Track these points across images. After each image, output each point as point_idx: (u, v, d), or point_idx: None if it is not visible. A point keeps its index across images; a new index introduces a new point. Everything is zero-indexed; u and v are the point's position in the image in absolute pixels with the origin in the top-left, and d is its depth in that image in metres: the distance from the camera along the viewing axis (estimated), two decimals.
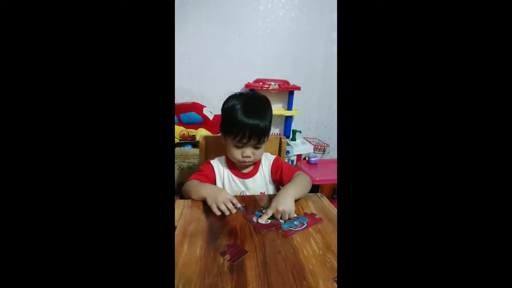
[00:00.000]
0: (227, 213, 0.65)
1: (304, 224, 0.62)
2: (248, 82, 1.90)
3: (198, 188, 0.72)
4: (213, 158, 0.86)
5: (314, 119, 2.21)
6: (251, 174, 0.84)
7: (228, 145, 0.77)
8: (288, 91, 1.94)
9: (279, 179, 0.83)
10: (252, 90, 0.82)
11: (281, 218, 0.64)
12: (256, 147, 0.75)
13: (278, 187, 0.85)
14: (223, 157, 0.86)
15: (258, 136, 0.73)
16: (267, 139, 0.78)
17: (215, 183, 0.82)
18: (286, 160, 1.84)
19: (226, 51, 1.95)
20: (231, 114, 0.73)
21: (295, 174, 0.80)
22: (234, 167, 0.84)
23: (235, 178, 0.83)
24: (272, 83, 1.83)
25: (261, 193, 0.83)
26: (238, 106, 0.73)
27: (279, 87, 1.83)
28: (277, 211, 0.63)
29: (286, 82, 1.90)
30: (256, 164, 0.85)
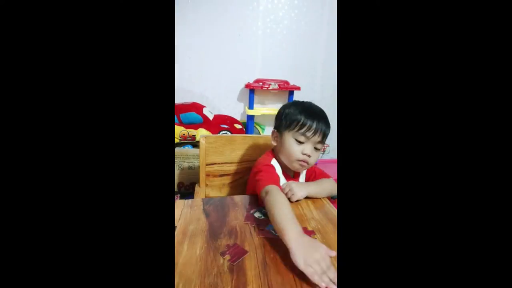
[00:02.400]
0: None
1: None
2: (248, 82, 1.90)
3: (282, 225, 0.52)
4: (269, 159, 0.78)
5: None
6: (296, 177, 0.83)
7: (288, 142, 0.72)
8: (288, 91, 1.94)
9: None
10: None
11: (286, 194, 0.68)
12: (316, 147, 0.73)
13: None
14: (274, 159, 0.79)
15: (323, 132, 0.71)
16: (324, 147, 0.79)
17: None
18: None
19: (226, 51, 1.95)
20: (294, 112, 0.73)
21: (324, 178, 0.81)
22: (284, 170, 0.80)
23: (285, 181, 0.80)
24: (272, 83, 1.83)
25: None
26: (301, 108, 0.74)
27: (279, 87, 1.83)
28: (286, 185, 0.69)
29: (286, 82, 1.90)
30: None
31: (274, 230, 0.59)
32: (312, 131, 0.70)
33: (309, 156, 0.71)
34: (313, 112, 0.73)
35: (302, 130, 0.70)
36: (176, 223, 0.61)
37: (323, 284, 0.43)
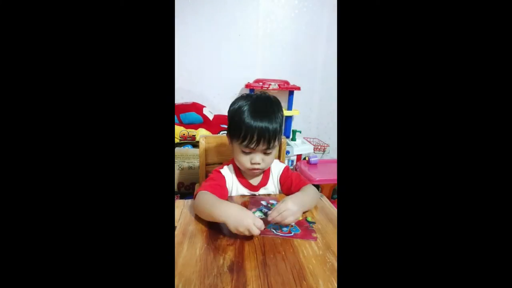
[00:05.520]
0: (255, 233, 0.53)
1: (291, 234, 0.58)
2: (248, 82, 1.90)
3: (212, 208, 0.58)
4: (221, 167, 0.77)
5: (314, 119, 2.21)
6: (262, 185, 0.77)
7: (236, 151, 0.70)
8: (288, 91, 1.94)
9: (288, 191, 0.76)
10: (261, 91, 0.74)
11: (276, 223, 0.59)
12: (265, 152, 0.69)
13: None
14: (231, 165, 0.78)
15: (267, 139, 0.66)
16: (278, 144, 0.70)
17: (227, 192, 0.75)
18: (286, 161, 1.84)
19: (226, 51, 1.95)
20: (237, 116, 0.67)
21: (306, 186, 0.74)
22: (243, 176, 0.76)
23: (244, 189, 0.76)
24: (272, 83, 1.83)
25: None
26: (245, 108, 0.66)
27: (279, 87, 1.83)
28: (277, 211, 0.58)
29: (286, 82, 1.90)
30: (266, 173, 0.78)
31: (275, 229, 0.59)
32: (255, 143, 0.65)
33: (258, 163, 0.69)
34: (258, 115, 0.65)
35: (245, 143, 0.66)
36: (176, 223, 0.61)
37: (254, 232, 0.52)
